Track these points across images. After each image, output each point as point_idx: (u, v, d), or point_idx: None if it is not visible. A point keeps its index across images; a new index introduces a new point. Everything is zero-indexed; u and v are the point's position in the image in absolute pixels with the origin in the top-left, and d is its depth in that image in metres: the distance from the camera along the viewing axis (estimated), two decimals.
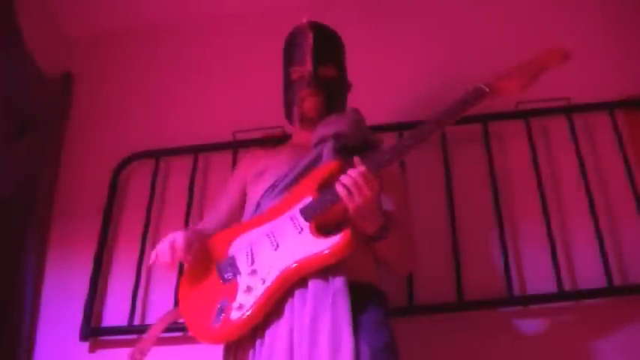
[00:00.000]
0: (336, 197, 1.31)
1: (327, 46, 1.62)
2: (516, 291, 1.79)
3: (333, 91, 1.60)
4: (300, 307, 1.26)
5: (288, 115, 1.66)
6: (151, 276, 2.05)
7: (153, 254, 1.41)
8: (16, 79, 2.11)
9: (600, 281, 1.75)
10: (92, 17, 2.53)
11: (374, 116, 1.74)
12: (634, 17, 2.18)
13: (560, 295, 1.75)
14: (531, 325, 1.76)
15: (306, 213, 1.34)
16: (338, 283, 1.26)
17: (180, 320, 1.46)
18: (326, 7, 2.38)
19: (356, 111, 1.60)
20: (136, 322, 1.95)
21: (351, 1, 2.44)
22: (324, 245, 1.28)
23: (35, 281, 2.07)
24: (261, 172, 1.57)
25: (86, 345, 1.96)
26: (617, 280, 1.75)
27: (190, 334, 1.37)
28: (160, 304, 1.98)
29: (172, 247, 1.37)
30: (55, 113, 2.35)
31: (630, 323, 1.72)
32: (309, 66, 1.56)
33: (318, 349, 1.17)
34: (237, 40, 2.47)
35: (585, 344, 1.71)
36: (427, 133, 1.34)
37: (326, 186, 1.35)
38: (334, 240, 1.27)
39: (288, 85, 1.65)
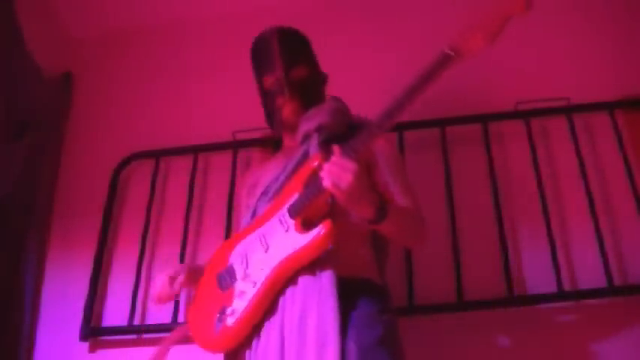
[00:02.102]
0: (316, 190, 1.28)
1: (294, 47, 1.59)
2: (516, 291, 1.79)
3: (308, 91, 1.57)
4: (290, 305, 1.26)
5: (270, 124, 1.65)
6: (151, 276, 2.05)
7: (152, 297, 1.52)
8: (16, 79, 2.11)
9: (600, 281, 1.75)
10: (92, 17, 2.53)
11: (371, 115, 1.74)
12: (633, 17, 2.17)
13: (560, 295, 1.75)
14: (531, 325, 1.76)
15: (291, 211, 1.34)
16: (325, 279, 1.25)
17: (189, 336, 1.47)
18: (325, 6, 2.38)
19: (335, 99, 1.58)
20: (136, 322, 1.95)
21: (350, 1, 2.44)
22: (306, 240, 1.27)
23: (35, 281, 2.07)
24: (255, 183, 1.58)
25: (86, 345, 1.96)
26: (617, 280, 1.75)
27: (198, 346, 1.38)
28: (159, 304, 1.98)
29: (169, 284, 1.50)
30: (55, 113, 2.35)
31: (630, 323, 1.72)
32: (279, 72, 1.54)
33: (306, 347, 1.17)
34: (237, 40, 2.46)
35: (585, 344, 1.71)
36: (396, 109, 1.27)
37: (312, 180, 1.34)
38: (314, 232, 1.26)
39: (264, 94, 1.62)
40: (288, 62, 1.55)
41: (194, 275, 1.52)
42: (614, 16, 2.19)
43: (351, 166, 1.21)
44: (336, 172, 1.22)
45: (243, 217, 1.59)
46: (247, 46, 2.44)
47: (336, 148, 1.26)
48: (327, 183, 1.22)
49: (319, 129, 1.47)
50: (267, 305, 1.30)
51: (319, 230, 1.26)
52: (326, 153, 1.32)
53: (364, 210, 1.27)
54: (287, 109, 1.55)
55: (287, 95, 1.54)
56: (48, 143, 2.26)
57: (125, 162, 2.23)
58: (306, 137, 1.49)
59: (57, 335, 2.00)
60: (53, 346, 1.99)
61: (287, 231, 1.32)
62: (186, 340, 1.56)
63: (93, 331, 1.95)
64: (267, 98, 1.60)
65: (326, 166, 1.24)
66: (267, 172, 1.56)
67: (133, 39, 2.55)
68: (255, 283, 1.31)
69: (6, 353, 1.92)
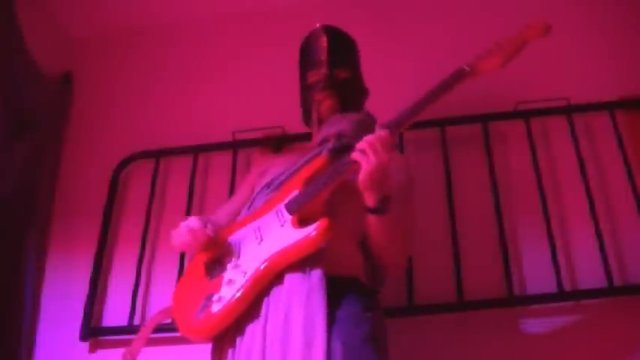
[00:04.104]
0: (318, 188, 1.32)
1: (342, 49, 1.63)
2: (516, 291, 1.79)
3: (348, 94, 1.60)
4: (275, 303, 1.26)
5: (306, 119, 1.67)
6: (151, 276, 2.05)
7: (174, 238, 1.40)
8: (16, 79, 2.11)
9: (600, 281, 1.75)
10: (92, 17, 2.53)
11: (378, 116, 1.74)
12: (633, 17, 2.18)
13: (560, 295, 1.75)
14: (531, 325, 1.76)
15: (289, 206, 1.35)
16: (314, 277, 1.25)
17: (170, 319, 1.46)
18: (327, 7, 2.38)
19: (366, 113, 1.60)
20: (136, 322, 1.95)
21: (353, 2, 2.44)
22: (301, 234, 1.28)
23: (35, 281, 2.06)
24: (264, 172, 1.58)
25: (86, 345, 1.96)
26: (617, 280, 1.76)
27: (179, 330, 1.36)
28: (159, 304, 1.98)
29: (191, 229, 1.37)
30: (55, 113, 2.35)
31: (630, 323, 1.72)
32: (324, 69, 1.58)
33: (291, 346, 1.17)
34: (238, 40, 2.47)
35: (585, 344, 1.71)
36: (410, 115, 1.34)
37: (313, 180, 1.36)
38: (310, 229, 1.27)
39: (305, 89, 1.65)
40: (334, 61, 1.59)
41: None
42: (614, 17, 2.20)
43: (390, 144, 1.28)
44: (377, 145, 1.26)
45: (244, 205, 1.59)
46: (247, 47, 2.46)
47: (378, 125, 1.32)
48: (368, 151, 1.26)
49: (338, 136, 1.49)
50: (255, 296, 1.29)
51: (315, 227, 1.27)
52: (337, 158, 1.36)
53: (375, 194, 1.31)
54: (324, 104, 1.58)
55: (327, 92, 1.57)
56: (48, 143, 2.26)
57: (125, 162, 2.23)
58: (325, 141, 1.51)
59: (57, 335, 2.00)
60: (53, 346, 1.99)
61: (282, 225, 1.33)
62: (166, 320, 1.54)
63: (93, 331, 1.95)
64: (308, 93, 1.63)
65: (368, 140, 1.28)
66: (278, 164, 1.56)
67: (134, 39, 2.55)
68: (245, 272, 1.30)
69: (6, 353, 1.92)
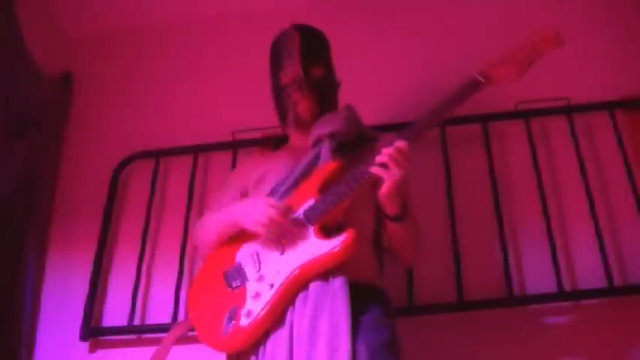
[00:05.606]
0: (338, 197, 1.32)
1: (315, 46, 1.61)
2: (516, 291, 1.79)
3: (324, 92, 1.59)
4: (300, 309, 1.27)
5: (283, 120, 1.66)
6: (151, 276, 2.05)
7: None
8: (16, 79, 2.11)
9: (600, 281, 1.75)
10: (92, 17, 2.53)
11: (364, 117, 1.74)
12: (634, 17, 2.17)
13: (560, 295, 1.75)
14: (531, 325, 1.76)
15: (309, 216, 1.35)
16: (337, 283, 1.26)
17: (191, 332, 1.47)
18: (322, 6, 2.38)
19: (349, 108, 1.60)
20: (136, 322, 1.95)
21: (346, 2, 2.44)
22: (328, 247, 1.29)
23: (35, 281, 2.06)
24: (261, 178, 1.57)
25: (86, 345, 1.96)
26: (617, 280, 1.75)
27: (203, 343, 1.37)
28: (159, 304, 1.98)
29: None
30: (55, 113, 2.34)
31: (630, 323, 1.72)
32: (299, 69, 1.55)
33: (317, 350, 1.18)
34: (237, 40, 2.47)
35: (585, 344, 1.71)
36: (424, 127, 1.36)
37: (327, 187, 1.36)
38: (338, 241, 1.28)
39: (279, 90, 1.63)
40: (308, 60, 1.57)
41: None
42: (615, 17, 2.19)
43: (410, 155, 1.29)
44: (399, 158, 1.27)
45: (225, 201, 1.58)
46: (247, 46, 2.46)
47: (393, 135, 1.33)
48: (390, 165, 1.27)
49: (332, 135, 1.49)
50: (284, 308, 1.30)
51: (342, 240, 1.27)
52: (346, 160, 1.38)
53: (397, 204, 1.32)
54: (303, 105, 1.56)
55: (304, 92, 1.55)
56: (48, 143, 2.26)
57: (125, 162, 2.23)
58: (318, 142, 1.51)
59: (57, 335, 2.00)
60: (53, 346, 1.99)
61: (305, 236, 1.34)
62: (185, 337, 1.56)
63: (93, 331, 1.95)
64: (283, 94, 1.61)
65: (388, 153, 1.28)
66: (274, 170, 1.55)
67: (133, 39, 2.55)
68: (272, 285, 1.31)
69: (6, 353, 1.92)
